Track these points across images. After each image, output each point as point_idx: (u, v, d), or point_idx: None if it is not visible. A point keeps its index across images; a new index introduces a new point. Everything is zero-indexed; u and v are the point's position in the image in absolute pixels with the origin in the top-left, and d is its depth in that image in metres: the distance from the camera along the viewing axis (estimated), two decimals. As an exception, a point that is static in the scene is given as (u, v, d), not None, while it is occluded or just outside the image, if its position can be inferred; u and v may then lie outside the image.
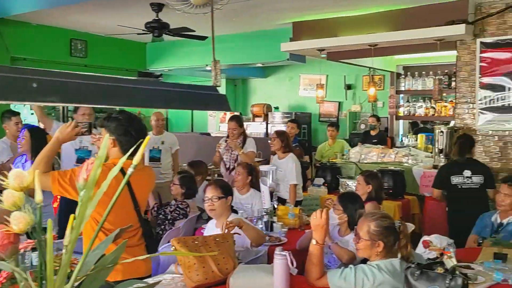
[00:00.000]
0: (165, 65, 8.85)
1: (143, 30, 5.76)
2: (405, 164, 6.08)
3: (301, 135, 9.15)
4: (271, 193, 4.52)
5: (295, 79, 10.25)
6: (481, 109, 5.65)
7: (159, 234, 4.63)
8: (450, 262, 2.41)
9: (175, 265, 2.94)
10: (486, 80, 5.61)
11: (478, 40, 5.63)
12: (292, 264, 2.57)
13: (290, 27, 6.82)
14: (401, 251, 2.58)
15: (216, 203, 3.43)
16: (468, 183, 4.51)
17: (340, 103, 9.75)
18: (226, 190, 3.49)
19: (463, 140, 4.73)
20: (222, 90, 10.77)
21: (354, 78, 9.57)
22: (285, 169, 5.23)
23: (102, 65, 8.28)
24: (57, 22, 6.97)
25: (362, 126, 9.09)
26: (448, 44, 5.88)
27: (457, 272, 2.28)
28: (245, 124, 9.69)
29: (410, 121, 8.98)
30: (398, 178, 5.67)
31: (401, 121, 8.83)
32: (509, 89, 5.46)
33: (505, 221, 3.80)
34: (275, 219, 4.40)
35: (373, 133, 7.94)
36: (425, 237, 3.60)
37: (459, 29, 5.42)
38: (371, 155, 6.49)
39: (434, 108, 7.83)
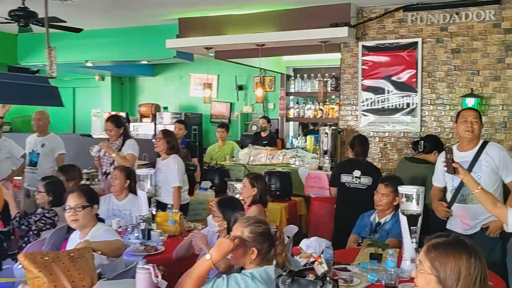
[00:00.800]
0: (40, 59, 8.05)
1: (6, 18, 5.10)
2: (292, 166, 6.06)
3: (191, 136, 8.88)
4: (149, 199, 4.20)
5: (185, 78, 9.94)
6: (363, 111, 5.80)
7: (22, 248, 4.12)
8: (321, 268, 2.29)
9: (23, 285, 2.53)
10: (368, 82, 5.77)
11: (360, 44, 5.78)
12: (157, 277, 2.31)
13: (176, 24, 6.52)
14: (276, 258, 2.43)
15: (79, 213, 3.05)
16: (355, 183, 4.55)
17: (232, 104, 9.62)
18: (91, 198, 3.15)
19: (363, 140, 4.75)
20: (107, 88, 10.13)
21: (245, 79, 9.49)
22: (166, 171, 4.92)
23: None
24: None
25: (254, 128, 9.04)
26: (333, 46, 5.97)
27: (328, 278, 2.17)
28: (132, 125, 9.26)
29: (300, 123, 9.10)
30: (285, 179, 5.63)
31: (291, 123, 8.91)
32: (388, 91, 5.66)
33: (382, 220, 3.84)
34: (154, 226, 4.09)
35: (263, 134, 7.89)
36: (304, 241, 3.53)
37: (341, 32, 5.51)
38: (260, 156, 6.39)
39: (322, 110, 7.98)
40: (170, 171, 4.90)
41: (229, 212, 3.22)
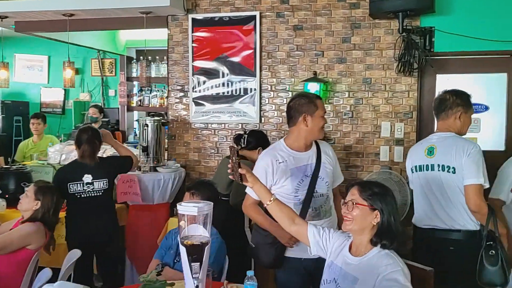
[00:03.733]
0: None
1: None
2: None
3: (14, 129, 7.31)
4: None
5: (9, 59, 8.23)
6: (195, 98, 4.82)
7: None
8: None
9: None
10: (200, 63, 4.79)
11: (190, 16, 4.77)
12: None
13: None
14: None
15: None
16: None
17: (66, 91, 8.15)
18: None
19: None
20: None
21: (81, 62, 8.08)
22: None
23: None
24: None
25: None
26: (160, 20, 4.90)
27: None
28: None
29: (148, 112, 7.94)
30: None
31: (135, 113, 7.71)
32: (223, 74, 4.73)
33: None
34: None
35: (95, 126, 6.59)
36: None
37: (163, 1, 4.45)
38: (74, 154, 5.13)
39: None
40: None
41: None
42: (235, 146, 2.30)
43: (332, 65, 4.52)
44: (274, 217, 2.41)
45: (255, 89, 4.66)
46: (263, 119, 4.68)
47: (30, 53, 8.10)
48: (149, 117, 4.65)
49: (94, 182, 3.64)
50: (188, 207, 2.12)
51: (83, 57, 7.99)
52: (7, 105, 7.43)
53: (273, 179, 2.73)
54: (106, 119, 7.36)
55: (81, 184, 3.62)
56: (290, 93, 4.62)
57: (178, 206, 2.15)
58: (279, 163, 2.73)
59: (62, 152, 5.17)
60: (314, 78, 4.47)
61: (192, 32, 4.79)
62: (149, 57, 7.30)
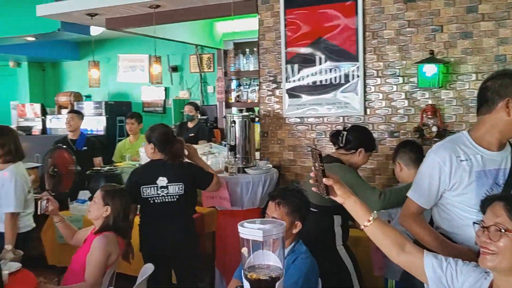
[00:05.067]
0: None
1: None
2: (203, 166, 4.53)
3: (117, 129, 7.36)
4: None
5: (113, 60, 8.38)
6: (288, 89, 4.25)
7: None
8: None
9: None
10: (294, 50, 4.21)
11: (282, -3, 4.22)
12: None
13: (53, -15, 4.97)
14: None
15: None
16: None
17: (166, 89, 8.06)
18: None
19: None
20: (24, 76, 8.63)
21: (180, 58, 7.92)
22: None
23: None
24: None
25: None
26: (249, 5, 4.42)
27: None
28: (48, 118, 7.73)
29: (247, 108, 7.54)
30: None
31: (234, 109, 7.35)
32: (320, 60, 4.10)
33: None
34: None
35: (190, 125, 6.35)
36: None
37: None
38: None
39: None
40: (4, 190, 3.41)
41: None
42: (317, 149, 1.68)
43: (454, 41, 3.66)
44: (375, 241, 1.76)
45: (358, 76, 3.97)
46: (368, 110, 3.97)
47: (132, 53, 8.14)
48: (236, 113, 4.16)
49: (169, 186, 3.25)
50: (251, 229, 1.57)
51: (181, 54, 7.85)
52: (111, 106, 7.51)
53: (449, 182, 2.03)
54: (204, 117, 7.11)
55: (155, 187, 3.24)
56: (400, 78, 3.85)
57: (240, 228, 1.60)
58: (461, 161, 2.01)
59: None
60: (431, 59, 3.66)
61: (285, 15, 4.22)
62: (247, 49, 6.93)
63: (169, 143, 3.35)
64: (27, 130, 6.88)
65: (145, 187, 3.26)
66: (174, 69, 7.88)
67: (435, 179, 2.01)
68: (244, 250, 1.58)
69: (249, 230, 1.55)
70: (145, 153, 4.95)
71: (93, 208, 3.05)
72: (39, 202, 3.14)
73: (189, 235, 3.40)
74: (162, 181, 3.25)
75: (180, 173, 3.32)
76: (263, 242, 1.54)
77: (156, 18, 4.66)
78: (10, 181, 3.41)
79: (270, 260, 1.59)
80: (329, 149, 4.08)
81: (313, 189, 1.77)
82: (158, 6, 4.56)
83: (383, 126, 3.91)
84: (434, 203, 2.12)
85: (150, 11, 4.65)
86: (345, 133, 3.03)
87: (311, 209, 2.58)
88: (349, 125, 3.60)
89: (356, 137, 3.03)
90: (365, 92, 3.96)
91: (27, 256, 3.84)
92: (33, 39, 6.13)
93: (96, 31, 5.98)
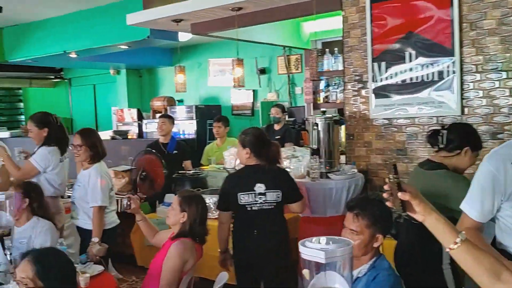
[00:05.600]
0: (27, 54, 7.14)
1: None
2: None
3: (207, 133, 7.47)
4: (3, 237, 2.84)
5: (204, 65, 8.54)
6: (375, 89, 3.98)
7: None
8: None
9: None
10: (381, 47, 3.93)
11: (368, -9, 3.96)
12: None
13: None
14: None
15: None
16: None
17: (254, 92, 8.05)
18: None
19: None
20: (123, 82, 9.10)
21: (268, 60, 7.86)
22: (85, 185, 3.64)
23: None
24: None
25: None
26: (332, 2, 4.21)
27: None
28: (144, 122, 8.07)
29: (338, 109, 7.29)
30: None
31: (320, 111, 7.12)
32: (410, 57, 3.79)
33: (355, 273, 2.18)
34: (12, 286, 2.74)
35: (276, 127, 6.25)
36: None
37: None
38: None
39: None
40: (91, 186, 3.60)
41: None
42: (393, 163, 1.46)
43: None
44: (463, 267, 1.50)
45: (453, 72, 3.59)
46: (466, 109, 3.58)
47: (222, 57, 8.24)
48: (319, 115, 3.97)
49: (267, 193, 3.10)
50: (313, 249, 1.39)
51: (269, 56, 7.79)
52: (201, 110, 7.65)
53: (505, 191, 1.79)
54: (292, 119, 6.97)
55: (253, 194, 3.10)
56: (503, 73, 3.42)
57: (301, 247, 1.43)
58: None
59: (236, 157, 4.88)
60: (541, 50, 3.20)
61: (371, 9, 3.96)
62: (335, 48, 6.68)
63: (264, 147, 3.22)
64: (123, 134, 7.22)
65: (243, 194, 3.11)
66: (262, 71, 7.84)
67: (489, 190, 1.74)
68: (305, 272, 1.41)
69: (310, 251, 1.38)
70: (229, 157, 4.97)
71: (171, 213, 3.04)
72: (120, 200, 3.22)
73: (283, 245, 3.23)
74: (259, 187, 3.09)
75: (277, 180, 3.18)
76: (326, 264, 1.36)
77: (239, 20, 4.61)
78: (96, 177, 3.60)
79: (335, 283, 1.41)
80: (421, 152, 3.76)
81: (388, 204, 1.56)
82: (240, 9, 4.52)
83: (483, 127, 3.50)
84: (490, 216, 1.82)
85: (232, 13, 4.61)
86: (445, 132, 2.67)
87: (412, 221, 2.32)
88: (448, 123, 3.22)
89: (459, 135, 2.64)
90: (462, 89, 3.58)
91: (114, 252, 4.00)
92: (126, 47, 6.42)
93: (184, 37, 6.11)
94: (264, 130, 3.62)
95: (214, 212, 4.01)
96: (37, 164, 3.80)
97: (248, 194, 3.11)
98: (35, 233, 3.26)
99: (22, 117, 9.74)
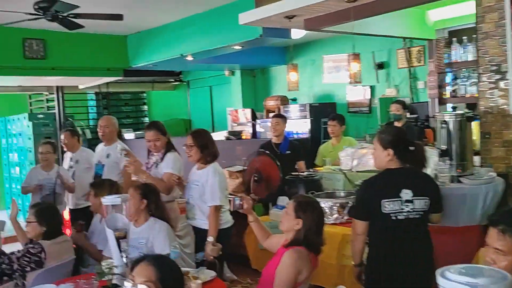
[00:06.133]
0: (149, 59, 7.49)
1: (31, 14, 4.35)
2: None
3: (321, 132, 7.23)
4: (120, 239, 2.88)
5: (317, 62, 8.29)
6: (517, 79, 3.44)
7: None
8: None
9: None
10: (523, 31, 3.39)
11: (506, -33, 3.43)
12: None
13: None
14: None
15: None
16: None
17: (371, 88, 7.61)
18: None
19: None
20: (237, 83, 9.20)
21: (386, 54, 7.37)
22: (203, 184, 3.68)
23: (69, 67, 7.20)
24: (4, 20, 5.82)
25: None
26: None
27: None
28: (258, 122, 8.05)
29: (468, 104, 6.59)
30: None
31: (449, 106, 6.50)
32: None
33: None
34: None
35: (397, 124, 5.79)
36: None
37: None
38: (366, 159, 4.47)
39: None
40: (209, 185, 3.64)
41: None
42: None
43: None
44: None
45: None
46: None
47: (336, 53, 7.94)
48: (448, 111, 3.54)
49: (414, 200, 2.76)
50: (457, 283, 1.11)
51: (387, 49, 7.31)
52: (315, 108, 7.42)
53: None
54: (414, 116, 6.45)
55: (399, 202, 2.76)
56: None
57: (440, 279, 1.15)
58: None
59: (354, 157, 4.59)
60: None
61: (510, -12, 3.44)
62: (464, 37, 6.05)
63: (407, 149, 2.90)
64: (237, 134, 7.26)
65: (387, 201, 2.77)
66: (380, 66, 7.37)
67: None
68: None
69: (454, 285, 1.10)
70: (345, 158, 4.70)
71: (285, 219, 2.87)
72: (233, 199, 3.15)
73: (429, 258, 2.89)
74: (406, 194, 2.75)
75: (425, 185, 2.84)
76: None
77: (355, 12, 4.31)
78: (213, 177, 3.63)
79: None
80: None
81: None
82: (356, 0, 4.21)
83: None
84: None
85: (348, 5, 4.32)
86: None
87: None
88: None
89: None
90: None
91: (229, 252, 3.96)
92: (239, 47, 6.41)
93: (296, 34, 5.93)
94: (403, 128, 3.26)
95: (329, 217, 3.80)
96: (173, 170, 3.88)
97: (393, 201, 2.76)
98: (152, 234, 3.32)
99: (146, 119, 10.30)
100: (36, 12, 4.38)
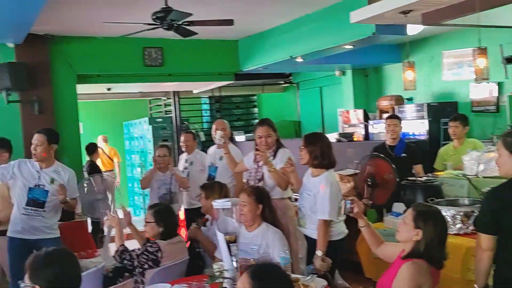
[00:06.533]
0: (257, 62, 7.56)
1: (149, 24, 4.58)
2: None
3: (441, 133, 6.74)
4: (230, 243, 2.86)
5: (436, 58, 7.73)
6: None
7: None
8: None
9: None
10: None
11: None
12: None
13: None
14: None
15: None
16: None
17: (499, 84, 6.90)
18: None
19: None
20: (348, 83, 8.98)
21: (515, 46, 6.66)
22: (314, 194, 3.55)
23: (184, 73, 7.51)
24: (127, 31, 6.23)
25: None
26: None
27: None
28: (371, 123, 7.74)
29: None
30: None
31: None
32: None
33: None
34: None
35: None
36: None
37: None
38: (494, 163, 4.01)
39: None
40: (320, 196, 3.49)
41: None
42: None
43: None
44: None
45: None
46: None
47: (457, 48, 7.35)
48: None
49: None
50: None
51: (522, 42, 6.60)
52: (433, 107, 6.94)
53: None
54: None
55: None
56: None
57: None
58: None
59: (480, 161, 4.16)
60: None
61: None
62: None
63: None
64: (349, 136, 7.03)
65: None
66: (509, 60, 6.66)
67: None
68: None
69: None
70: (470, 162, 4.29)
71: (402, 228, 2.66)
72: (344, 202, 3.00)
73: None
74: None
75: None
76: None
77: (480, 2, 3.91)
78: (326, 187, 3.46)
79: None
80: None
81: None
82: (481, -13, 3.82)
83: None
84: None
85: (470, -5, 3.94)
86: None
87: None
88: None
89: None
90: None
91: (343, 265, 3.79)
92: (351, 47, 6.19)
93: (413, 30, 5.57)
94: None
95: (452, 227, 3.49)
96: None
97: None
98: (266, 241, 3.27)
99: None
100: (154, 22, 4.59)
